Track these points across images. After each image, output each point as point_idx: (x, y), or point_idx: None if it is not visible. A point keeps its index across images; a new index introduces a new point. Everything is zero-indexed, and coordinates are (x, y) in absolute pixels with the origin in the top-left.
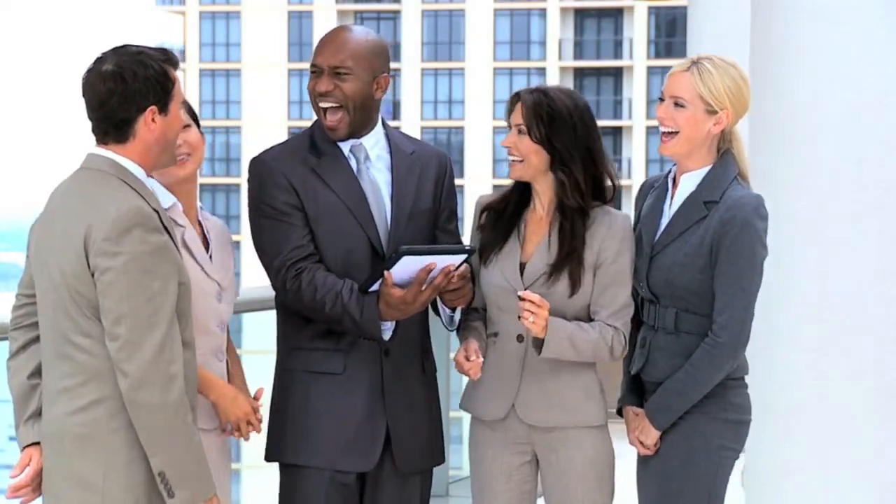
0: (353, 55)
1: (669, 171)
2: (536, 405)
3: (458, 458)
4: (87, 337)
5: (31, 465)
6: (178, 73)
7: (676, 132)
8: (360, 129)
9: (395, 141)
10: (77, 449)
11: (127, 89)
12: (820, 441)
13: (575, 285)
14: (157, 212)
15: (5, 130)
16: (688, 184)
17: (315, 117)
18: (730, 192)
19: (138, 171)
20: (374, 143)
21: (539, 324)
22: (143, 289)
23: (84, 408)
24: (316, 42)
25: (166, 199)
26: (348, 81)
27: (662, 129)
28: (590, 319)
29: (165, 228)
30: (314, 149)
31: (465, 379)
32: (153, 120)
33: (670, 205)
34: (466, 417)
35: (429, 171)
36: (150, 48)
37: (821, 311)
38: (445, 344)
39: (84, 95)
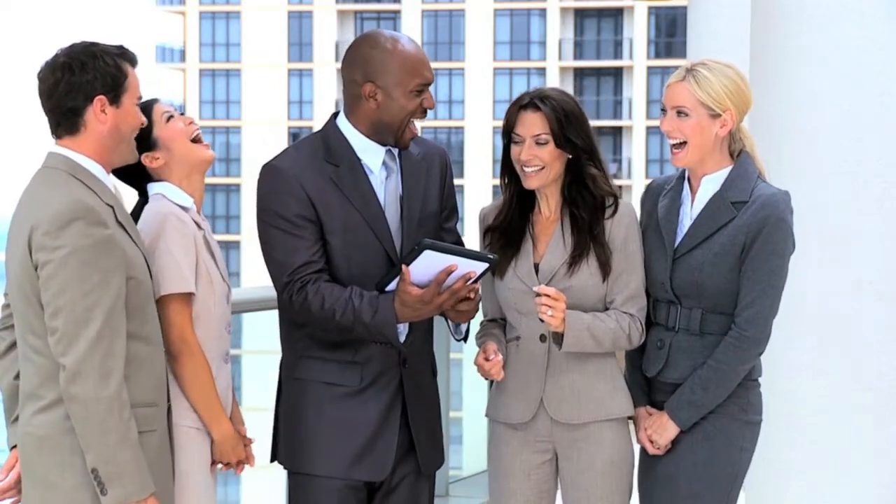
0: None
1: (683, 174)
2: (567, 402)
3: (458, 458)
4: (38, 337)
5: (17, 467)
6: (137, 71)
7: (685, 142)
8: None
9: None
10: (39, 451)
11: (73, 78)
12: (820, 441)
13: (605, 267)
14: (112, 207)
15: (4, 130)
16: (709, 186)
17: (316, 122)
18: (758, 190)
19: (93, 167)
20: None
21: (558, 317)
22: (80, 282)
23: (43, 409)
24: (316, 42)
25: (185, 200)
26: None
27: (671, 140)
28: (605, 309)
29: (120, 224)
30: (330, 156)
31: (465, 379)
32: (103, 110)
33: (691, 206)
34: (467, 417)
35: (434, 172)
36: (106, 44)
37: (821, 311)
38: (445, 344)
39: (38, 88)
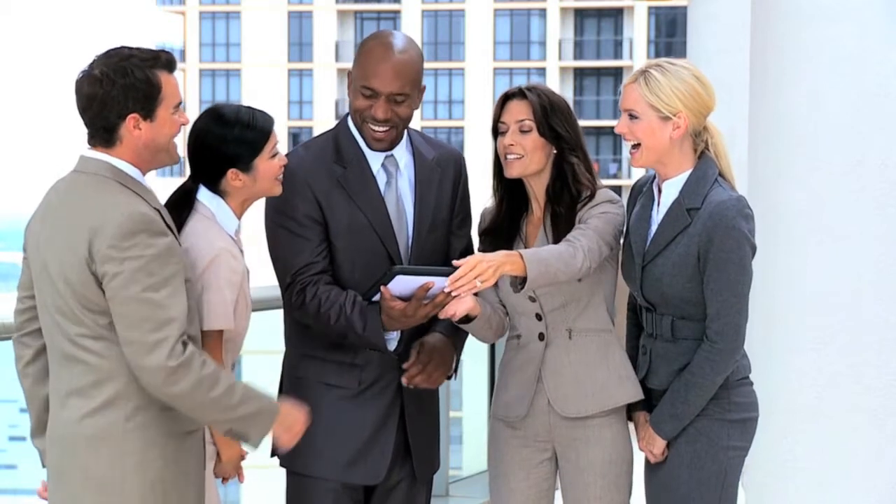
0: (410, 80)
1: (655, 177)
2: (571, 396)
3: (458, 458)
4: (98, 340)
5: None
6: (176, 75)
7: (639, 144)
8: (397, 142)
9: (417, 146)
10: (91, 450)
11: (106, 96)
12: (820, 441)
13: None
14: (158, 211)
15: (4, 130)
16: (670, 191)
17: (316, 122)
18: (711, 196)
19: (134, 172)
20: (402, 153)
21: (486, 274)
22: (152, 292)
23: (97, 409)
24: (316, 42)
25: (231, 227)
26: (404, 105)
27: (626, 142)
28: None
29: (168, 226)
30: (339, 157)
31: (465, 379)
32: (136, 127)
33: (657, 212)
34: (466, 418)
35: (448, 177)
36: (142, 51)
37: (821, 311)
38: None
39: (75, 97)
